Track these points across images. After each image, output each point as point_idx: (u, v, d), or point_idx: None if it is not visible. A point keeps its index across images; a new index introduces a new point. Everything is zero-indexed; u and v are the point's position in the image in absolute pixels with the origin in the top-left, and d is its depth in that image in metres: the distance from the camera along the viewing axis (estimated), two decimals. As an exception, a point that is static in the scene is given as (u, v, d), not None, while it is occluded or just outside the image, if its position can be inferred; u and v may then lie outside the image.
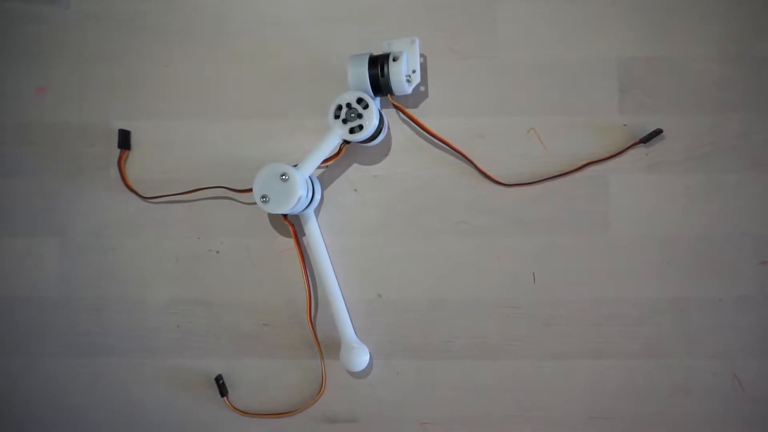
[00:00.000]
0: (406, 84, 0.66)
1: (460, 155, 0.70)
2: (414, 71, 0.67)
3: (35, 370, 0.71)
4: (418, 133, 0.71)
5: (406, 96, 0.69)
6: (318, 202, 0.69)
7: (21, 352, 0.72)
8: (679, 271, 0.68)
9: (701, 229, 0.69)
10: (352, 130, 0.65)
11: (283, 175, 0.63)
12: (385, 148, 0.71)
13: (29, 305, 0.72)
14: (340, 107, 0.66)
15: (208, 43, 0.73)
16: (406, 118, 0.70)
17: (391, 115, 0.71)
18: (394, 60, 0.65)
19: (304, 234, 0.69)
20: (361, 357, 0.67)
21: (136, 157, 0.73)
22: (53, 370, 0.71)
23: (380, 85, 0.66)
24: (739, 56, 0.70)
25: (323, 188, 0.71)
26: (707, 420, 0.67)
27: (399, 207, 0.70)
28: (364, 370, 0.68)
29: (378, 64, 0.65)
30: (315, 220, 0.69)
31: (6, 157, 0.73)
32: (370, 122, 0.65)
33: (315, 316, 0.70)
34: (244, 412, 0.69)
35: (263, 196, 0.63)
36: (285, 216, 0.69)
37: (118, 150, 0.72)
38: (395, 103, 0.68)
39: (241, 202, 0.71)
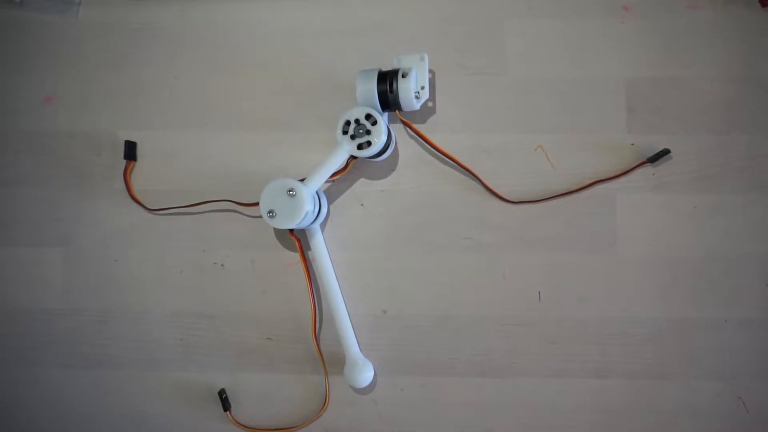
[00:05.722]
0: (415, 100, 0.66)
1: (466, 171, 0.70)
2: (422, 87, 0.67)
3: (38, 381, 0.71)
4: (425, 148, 0.71)
5: (414, 111, 0.68)
6: (324, 216, 0.69)
7: (24, 363, 0.71)
8: (685, 291, 0.68)
9: (707, 249, 0.68)
10: (360, 146, 0.65)
11: (290, 190, 0.62)
12: (392, 164, 0.71)
13: (33, 316, 0.71)
14: (348, 123, 0.65)
15: (216, 55, 0.73)
16: (413, 133, 0.70)
17: (398, 130, 0.71)
18: (403, 76, 0.65)
19: (309, 248, 0.69)
20: (365, 373, 0.66)
21: (142, 168, 0.72)
22: (56, 380, 0.71)
23: (389, 101, 0.66)
24: (747, 77, 0.70)
25: (329, 202, 0.71)
26: (711, 441, 0.67)
27: (405, 222, 0.70)
28: (367, 386, 0.67)
29: (387, 80, 0.65)
30: (321, 234, 0.69)
31: (11, 166, 0.73)
32: (379, 139, 0.64)
33: (319, 331, 0.70)
34: (247, 427, 0.68)
35: (270, 211, 0.63)
36: (291, 230, 0.68)
37: (124, 161, 0.71)
38: (403, 119, 0.68)
39: (246, 215, 0.71)
